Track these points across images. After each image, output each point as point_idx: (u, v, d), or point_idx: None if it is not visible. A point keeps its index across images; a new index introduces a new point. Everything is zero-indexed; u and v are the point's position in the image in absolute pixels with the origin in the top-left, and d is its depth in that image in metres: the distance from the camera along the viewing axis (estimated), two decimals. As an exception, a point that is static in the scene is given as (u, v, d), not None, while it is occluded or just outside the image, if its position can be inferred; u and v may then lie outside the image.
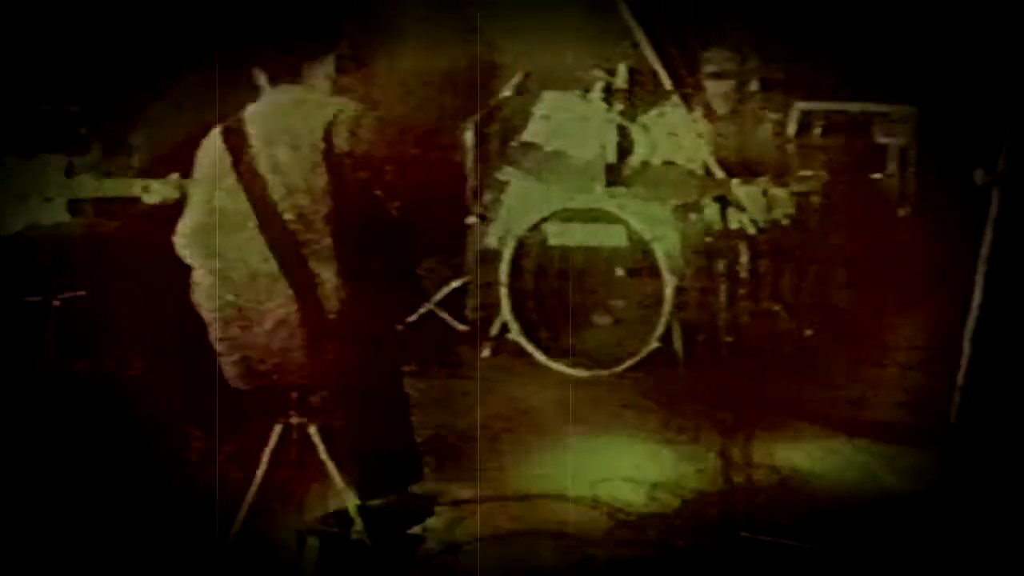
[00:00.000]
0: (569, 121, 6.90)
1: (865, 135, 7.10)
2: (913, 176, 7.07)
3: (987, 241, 5.55)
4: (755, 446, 4.98)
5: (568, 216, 6.56)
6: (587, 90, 6.84)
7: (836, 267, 6.79)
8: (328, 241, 4.09)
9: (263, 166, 4.11)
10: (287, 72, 4.24)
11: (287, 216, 4.09)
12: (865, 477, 5.09)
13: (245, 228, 4.10)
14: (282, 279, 4.08)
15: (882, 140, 7.07)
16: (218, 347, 4.20)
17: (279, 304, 4.08)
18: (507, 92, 6.93)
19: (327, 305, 4.07)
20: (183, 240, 4.24)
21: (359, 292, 4.13)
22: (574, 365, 6.43)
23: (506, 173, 7.00)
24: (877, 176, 7.06)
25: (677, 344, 6.40)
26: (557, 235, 6.58)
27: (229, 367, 4.21)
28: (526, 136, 6.98)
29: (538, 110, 6.97)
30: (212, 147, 4.22)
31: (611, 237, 6.49)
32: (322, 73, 4.26)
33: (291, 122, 4.14)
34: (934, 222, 6.78)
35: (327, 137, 4.10)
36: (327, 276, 4.08)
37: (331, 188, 4.10)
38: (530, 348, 6.52)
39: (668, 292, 6.32)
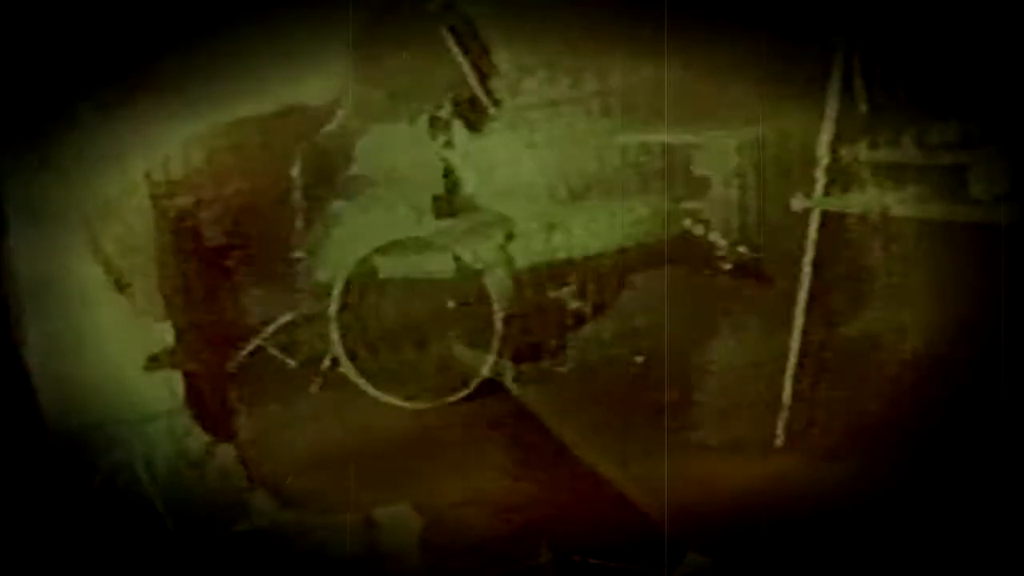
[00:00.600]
0: (396, 154, 6.89)
1: (685, 165, 7.22)
2: (735, 205, 7.21)
3: (807, 264, 5.71)
4: (591, 469, 5.01)
5: (397, 249, 6.54)
6: (412, 122, 6.85)
7: (663, 292, 6.88)
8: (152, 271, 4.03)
9: None
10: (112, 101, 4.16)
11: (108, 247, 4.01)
12: (695, 498, 5.16)
13: None
14: None
15: (702, 172, 7.19)
16: (38, 384, 4.08)
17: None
18: (332, 126, 6.89)
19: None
20: None
21: (184, 327, 4.06)
22: (406, 397, 6.41)
23: (336, 206, 6.96)
24: (697, 205, 7.17)
25: (508, 373, 6.42)
26: (387, 268, 6.56)
27: (49, 406, 4.09)
28: (354, 169, 6.95)
29: (364, 143, 6.95)
30: None
31: (440, 268, 6.49)
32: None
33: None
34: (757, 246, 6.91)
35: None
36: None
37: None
38: (361, 381, 6.47)
39: (498, 321, 6.34)
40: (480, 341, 6.41)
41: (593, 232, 6.75)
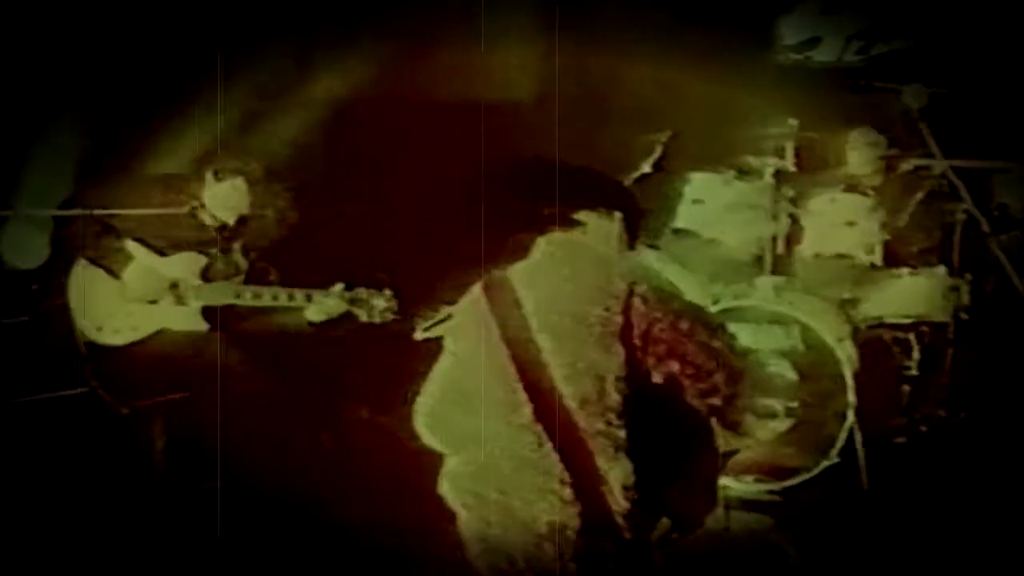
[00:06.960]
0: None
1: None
2: None
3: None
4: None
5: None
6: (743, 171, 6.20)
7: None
8: (622, 434, 3.42)
9: (540, 340, 3.43)
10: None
11: (570, 402, 3.42)
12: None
13: (513, 413, 3.43)
14: (559, 478, 3.40)
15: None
16: (469, 542, 3.54)
17: (553, 506, 3.42)
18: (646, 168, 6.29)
19: (616, 508, 3.41)
20: (426, 420, 3.56)
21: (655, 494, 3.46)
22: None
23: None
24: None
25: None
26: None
27: (479, 564, 3.54)
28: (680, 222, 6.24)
29: (689, 192, 6.26)
30: (475, 309, 3.52)
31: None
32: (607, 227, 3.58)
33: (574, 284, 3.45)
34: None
35: (626, 308, 3.42)
36: (617, 475, 3.42)
37: (627, 370, 3.42)
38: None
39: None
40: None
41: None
